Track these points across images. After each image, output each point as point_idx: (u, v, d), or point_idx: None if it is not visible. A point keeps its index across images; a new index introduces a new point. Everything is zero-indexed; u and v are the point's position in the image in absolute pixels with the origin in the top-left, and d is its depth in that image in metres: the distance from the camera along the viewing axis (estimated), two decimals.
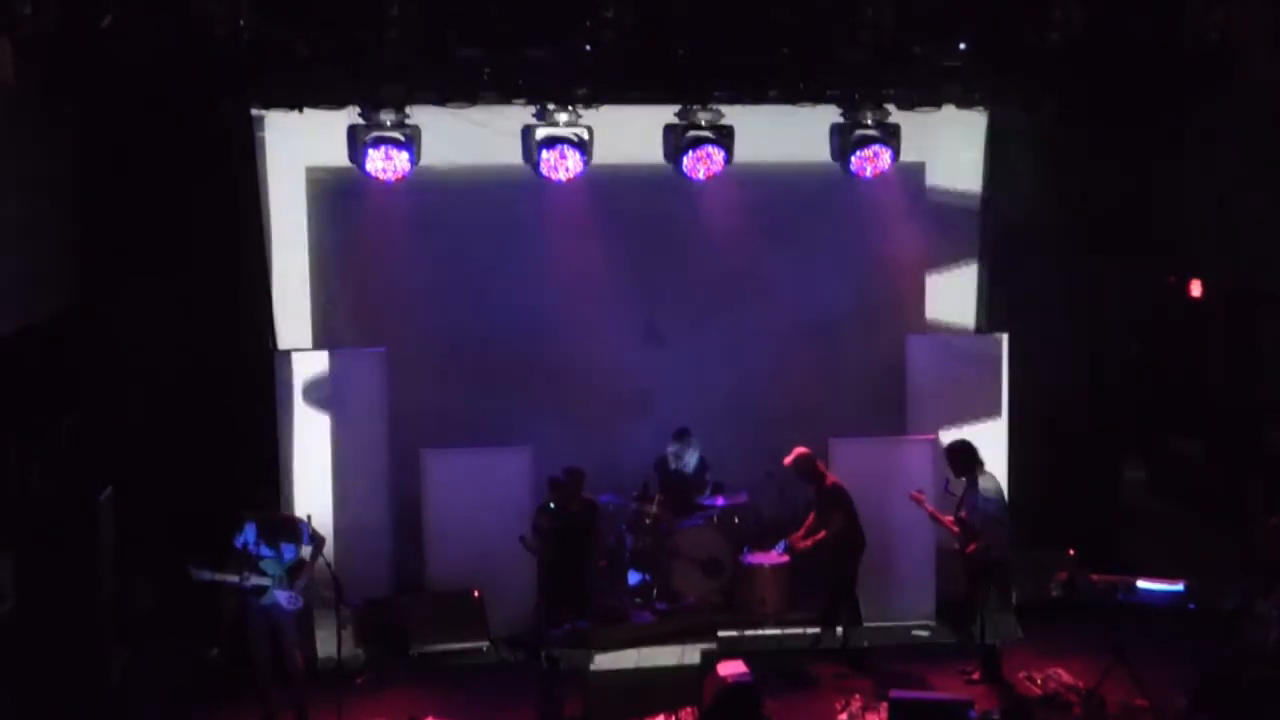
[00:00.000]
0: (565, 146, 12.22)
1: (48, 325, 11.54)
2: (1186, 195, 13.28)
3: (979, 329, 13.96)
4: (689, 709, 10.37)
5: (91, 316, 12.18)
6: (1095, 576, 11.05)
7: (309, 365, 12.73)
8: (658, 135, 12.67)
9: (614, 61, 11.36)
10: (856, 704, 10.82)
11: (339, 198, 13.27)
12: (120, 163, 12.04)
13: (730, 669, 10.06)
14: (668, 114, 12.52)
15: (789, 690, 11.14)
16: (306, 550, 10.53)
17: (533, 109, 12.29)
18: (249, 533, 10.31)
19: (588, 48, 11.09)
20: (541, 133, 12.28)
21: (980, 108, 13.13)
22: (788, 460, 11.93)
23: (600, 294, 13.55)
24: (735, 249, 13.62)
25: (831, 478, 11.90)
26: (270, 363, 12.65)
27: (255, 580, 10.27)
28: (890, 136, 12.61)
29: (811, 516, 12.05)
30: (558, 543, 11.88)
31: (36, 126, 11.39)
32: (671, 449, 13.10)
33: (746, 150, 12.65)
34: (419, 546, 12.56)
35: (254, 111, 12.46)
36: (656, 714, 10.40)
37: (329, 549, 10.92)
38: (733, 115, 12.46)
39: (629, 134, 12.76)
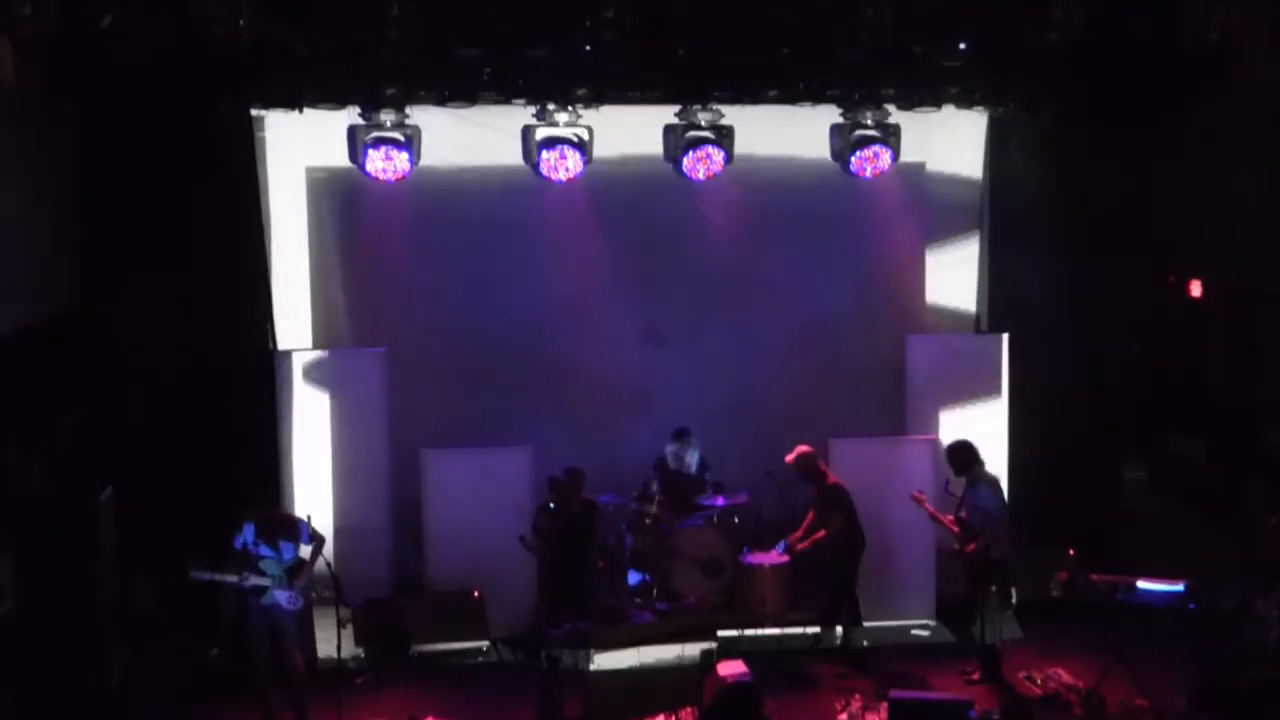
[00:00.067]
0: (565, 147, 12.23)
1: (48, 325, 11.54)
2: (1186, 195, 13.28)
3: (979, 329, 13.97)
4: (689, 709, 10.38)
5: (91, 316, 12.18)
6: (1095, 576, 11.06)
7: (309, 365, 12.74)
8: (658, 135, 12.67)
9: (614, 62, 11.37)
10: (856, 704, 10.82)
11: (339, 198, 13.28)
12: (120, 163, 12.04)
13: (730, 669, 10.07)
14: (668, 114, 12.52)
15: (789, 690, 11.14)
16: (306, 550, 10.54)
17: (533, 109, 12.29)
18: (248, 533, 10.31)
19: (588, 48, 11.10)
20: (541, 133, 12.29)
21: (980, 108, 13.12)
22: (790, 458, 11.93)
23: (600, 294, 13.55)
24: (735, 249, 13.63)
25: (833, 477, 11.90)
26: (270, 363, 12.65)
27: (254, 580, 10.27)
28: (890, 136, 12.62)
29: (810, 516, 12.04)
30: (558, 543, 11.87)
31: (36, 126, 11.39)
32: (671, 449, 13.10)
33: (746, 150, 12.66)
34: (419, 546, 12.56)
35: (254, 111, 12.47)
36: (656, 714, 10.40)
37: (329, 549, 10.92)
38: (733, 115, 12.47)
39: (629, 134, 12.77)
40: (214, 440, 12.21)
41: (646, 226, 13.54)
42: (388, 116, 12.02)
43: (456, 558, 12.28)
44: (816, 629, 12.21)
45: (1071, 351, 13.56)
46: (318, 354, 12.88)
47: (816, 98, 12.36)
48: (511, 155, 12.70)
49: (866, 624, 12.07)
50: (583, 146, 12.27)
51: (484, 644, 12.17)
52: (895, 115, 12.66)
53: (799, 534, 12.07)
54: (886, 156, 12.66)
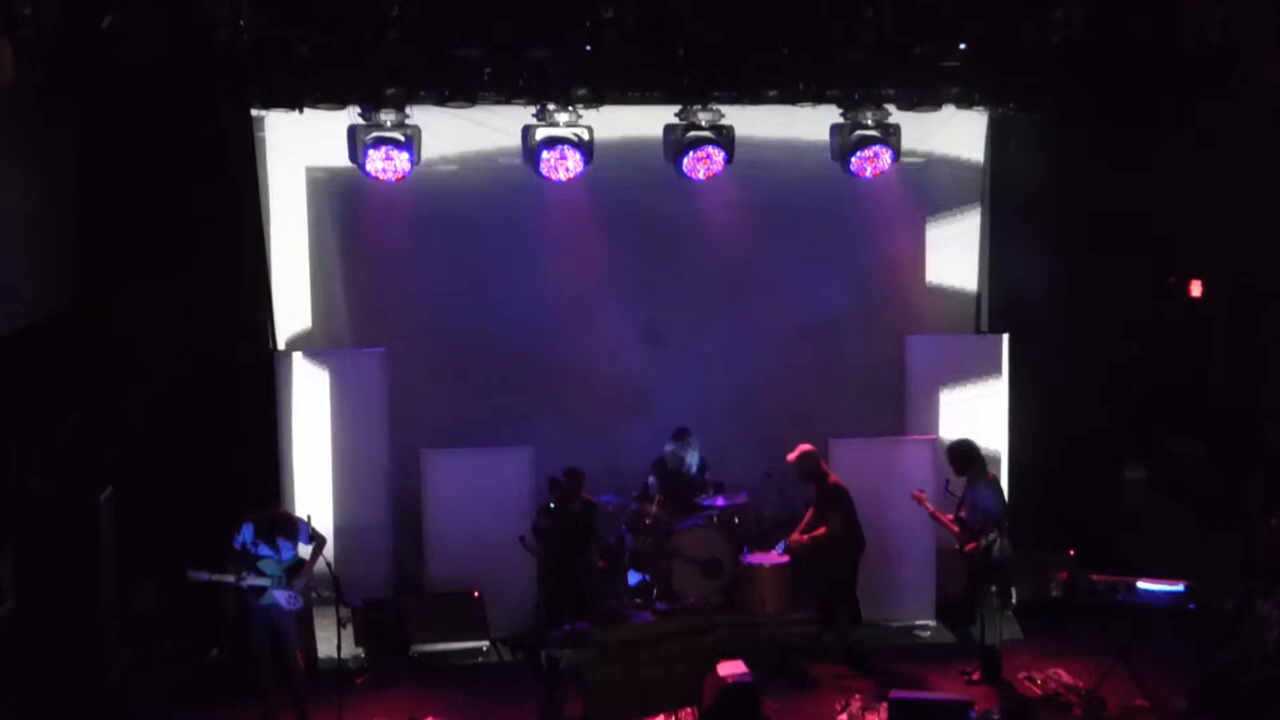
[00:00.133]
0: (565, 146, 12.23)
1: (48, 325, 11.55)
2: (1186, 195, 13.27)
3: (979, 329, 13.97)
4: (689, 709, 10.38)
5: (92, 317, 12.18)
6: (1095, 577, 11.04)
7: (309, 365, 12.74)
8: (658, 135, 12.67)
9: (614, 62, 11.38)
10: (856, 704, 10.82)
11: (339, 198, 13.28)
12: (120, 163, 12.04)
13: (730, 669, 10.07)
14: (668, 114, 12.52)
15: (789, 690, 11.15)
16: (306, 550, 10.53)
17: (533, 109, 12.29)
18: (246, 532, 10.31)
19: (588, 48, 11.10)
20: (541, 133, 12.29)
21: (980, 108, 13.12)
22: (791, 456, 11.93)
23: (600, 294, 13.55)
24: (735, 249, 13.63)
25: (833, 477, 11.90)
26: (270, 363, 12.65)
27: (252, 580, 10.27)
28: (890, 136, 12.62)
29: (810, 513, 12.04)
30: (557, 543, 11.89)
31: (36, 126, 11.39)
32: (670, 448, 13.10)
33: (747, 150, 12.66)
34: (419, 546, 12.56)
35: (254, 111, 12.46)
36: (656, 714, 10.41)
37: (329, 549, 10.92)
38: (733, 115, 12.47)
39: (629, 134, 12.77)
40: (214, 440, 12.21)
41: (646, 226, 13.53)
42: (388, 116, 12.02)
43: (456, 558, 12.28)
44: (816, 629, 12.21)
45: (1071, 351, 13.55)
46: (318, 354, 12.88)
47: (816, 98, 12.36)
48: (512, 155, 12.70)
49: (866, 624, 12.06)
50: (583, 146, 12.27)
51: (484, 644, 12.16)
52: (895, 115, 12.66)
53: (799, 529, 12.06)
54: (886, 156, 12.66)
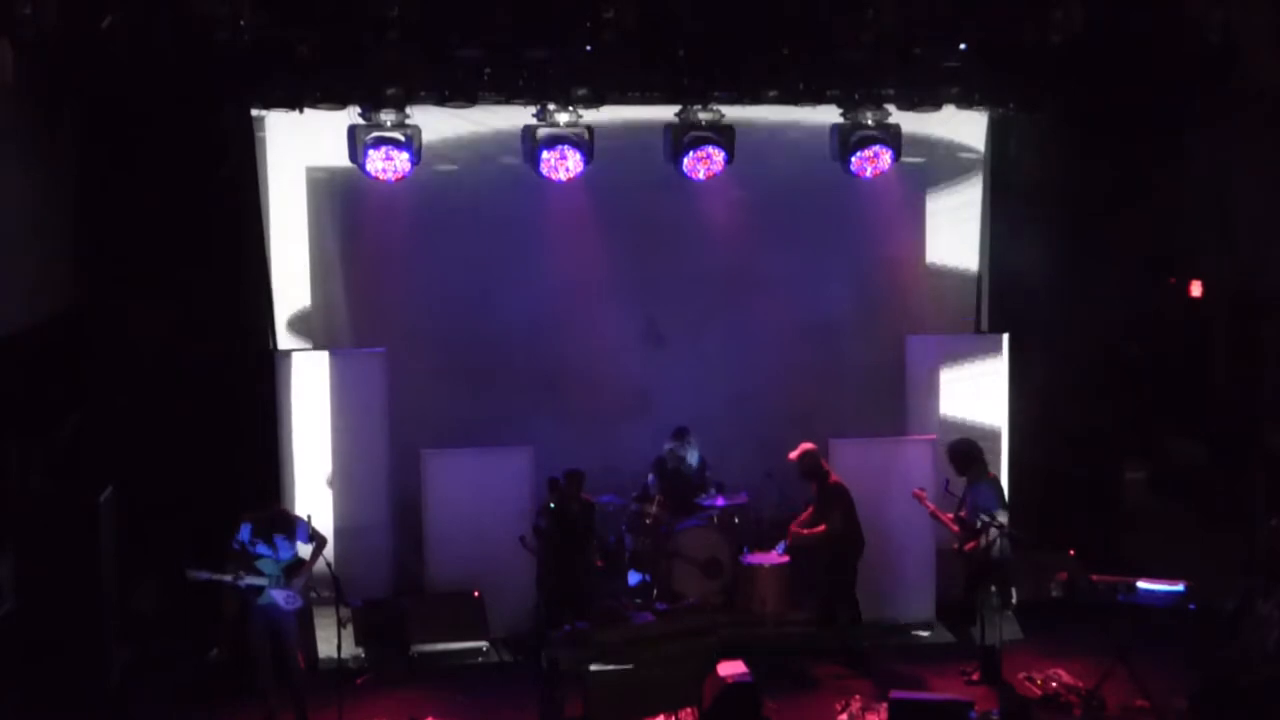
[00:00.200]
0: (565, 146, 12.23)
1: (48, 326, 11.55)
2: (1186, 195, 13.28)
3: (979, 329, 13.97)
4: (689, 709, 10.38)
5: (92, 317, 12.19)
6: (1096, 577, 11.04)
7: (309, 365, 12.73)
8: (658, 135, 12.67)
9: (614, 62, 11.38)
10: (856, 704, 10.82)
11: (339, 198, 13.28)
12: (120, 163, 12.04)
13: (730, 669, 10.07)
14: (668, 114, 12.52)
15: (789, 690, 11.14)
16: (306, 549, 10.52)
17: (533, 109, 12.29)
18: (244, 531, 10.31)
19: (588, 48, 11.10)
20: (541, 133, 12.29)
21: (980, 108, 13.13)
22: (793, 455, 11.93)
23: (600, 294, 13.56)
24: (735, 249, 13.64)
25: (834, 476, 11.89)
26: (270, 363, 12.65)
27: (250, 579, 10.26)
28: (890, 136, 12.62)
29: (810, 510, 12.04)
30: (557, 543, 11.88)
31: (36, 126, 11.39)
32: (669, 446, 13.10)
33: (747, 150, 12.65)
34: (419, 546, 12.56)
35: (254, 111, 12.46)
36: (656, 714, 10.40)
37: (329, 549, 10.90)
38: (733, 115, 12.46)
39: (629, 134, 12.77)
40: (214, 440, 12.21)
41: (646, 226, 13.53)
42: (388, 116, 12.02)
43: (456, 558, 12.27)
44: (816, 629, 12.20)
45: (1071, 351, 13.56)
46: (318, 354, 12.88)
47: (816, 98, 12.37)
48: (512, 155, 12.70)
49: (866, 624, 12.06)
50: (583, 146, 12.27)
51: (484, 644, 12.16)
52: (895, 115, 12.66)
53: (800, 520, 12.05)
54: (887, 156, 12.66)
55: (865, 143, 12.61)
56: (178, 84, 11.28)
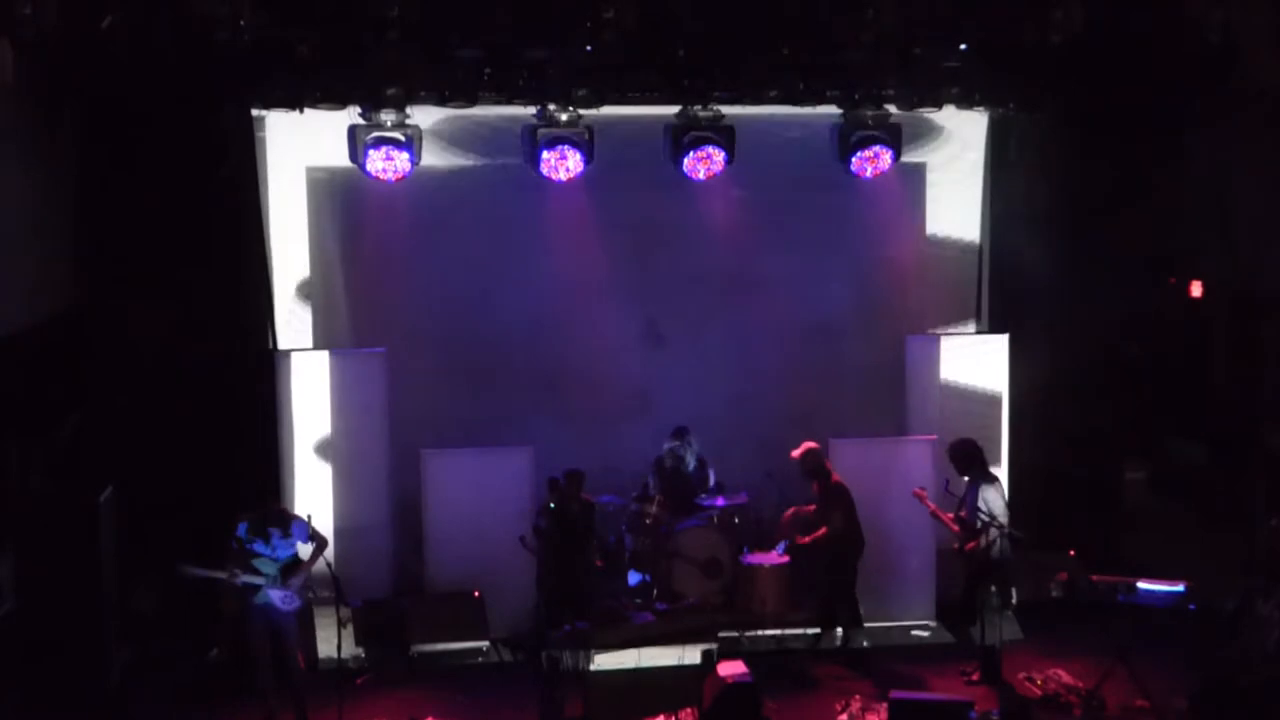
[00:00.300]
0: (565, 146, 12.23)
1: (48, 326, 11.54)
2: (1186, 195, 13.28)
3: (979, 329, 13.97)
4: (689, 709, 10.38)
5: (92, 317, 12.19)
6: (1096, 577, 11.05)
7: (309, 365, 12.73)
8: (658, 135, 12.67)
9: (614, 62, 11.37)
10: (856, 704, 10.82)
11: (339, 198, 13.28)
12: (120, 163, 12.04)
13: (730, 669, 10.07)
14: (668, 114, 12.52)
15: (789, 690, 11.14)
16: (305, 549, 10.52)
17: (533, 109, 12.28)
18: (240, 529, 10.31)
19: (588, 48, 11.09)
20: (542, 133, 12.29)
21: (981, 108, 13.13)
22: (796, 453, 11.93)
23: (600, 294, 13.55)
24: (735, 249, 13.64)
25: (836, 476, 11.89)
26: (270, 363, 12.64)
27: (246, 578, 10.26)
28: (890, 136, 12.62)
29: (813, 508, 12.04)
30: (557, 543, 11.88)
31: (36, 126, 11.39)
32: (669, 445, 13.10)
33: (747, 150, 12.65)
34: (419, 546, 12.55)
35: (254, 112, 12.46)
36: (656, 714, 10.41)
37: (329, 549, 10.89)
38: (733, 115, 12.46)
39: (629, 134, 12.77)
40: (214, 440, 12.21)
41: (646, 226, 13.54)
42: (388, 116, 12.02)
43: (456, 558, 12.27)
44: (816, 629, 12.21)
45: (1071, 352, 13.56)
46: (318, 354, 12.88)
47: (816, 98, 12.36)
48: (512, 155, 12.69)
49: (866, 624, 12.06)
50: (583, 146, 12.27)
51: (484, 644, 12.16)
52: (895, 115, 12.66)
53: (801, 512, 12.06)
54: (887, 156, 12.66)
55: (865, 143, 12.61)
56: (178, 84, 11.28)
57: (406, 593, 12.59)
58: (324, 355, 12.83)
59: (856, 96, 12.44)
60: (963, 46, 11.67)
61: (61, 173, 11.94)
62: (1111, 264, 13.33)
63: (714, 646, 10.78)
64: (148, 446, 12.07)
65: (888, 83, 12.23)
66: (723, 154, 12.42)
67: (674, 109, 12.47)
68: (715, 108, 12.38)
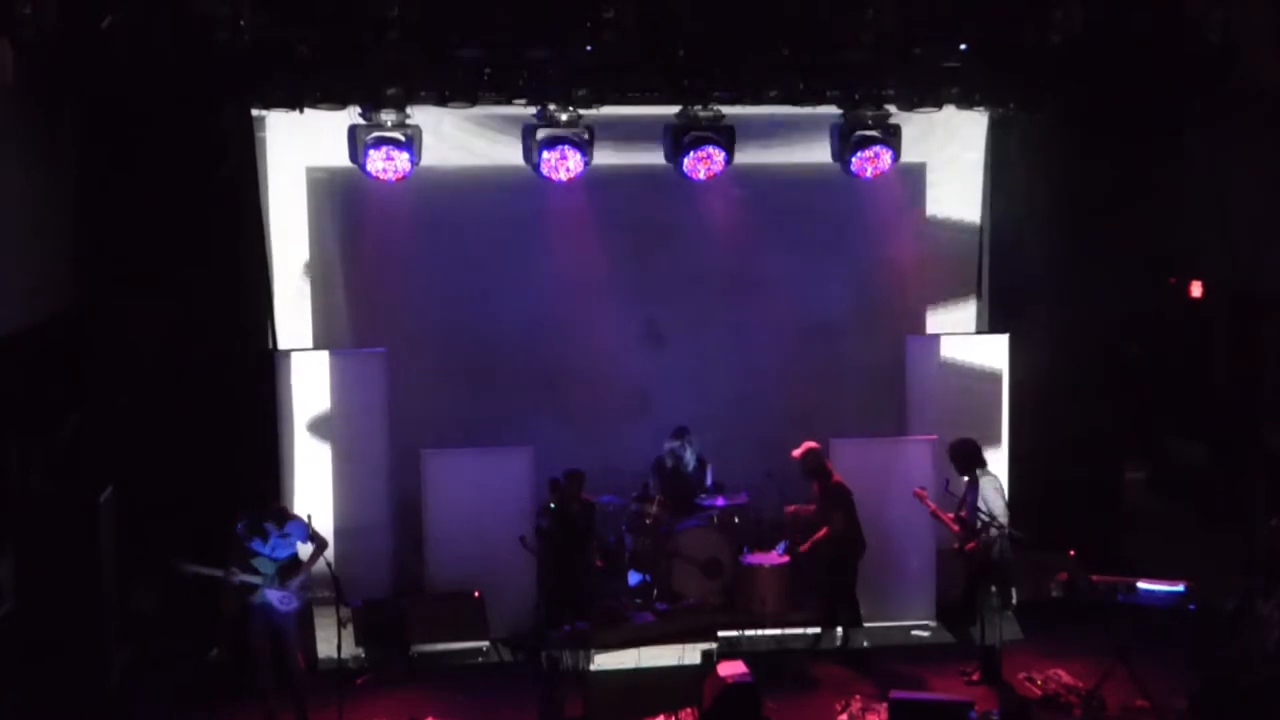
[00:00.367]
0: (566, 147, 12.22)
1: (48, 326, 11.54)
2: (1186, 195, 13.28)
3: (979, 329, 13.97)
4: (689, 709, 10.38)
5: (92, 317, 12.19)
6: (1096, 577, 11.04)
7: (309, 365, 12.74)
8: (658, 135, 12.67)
9: (614, 62, 11.36)
10: (856, 704, 10.82)
11: (339, 198, 13.29)
12: (120, 163, 12.04)
13: (730, 669, 10.07)
14: (668, 114, 12.52)
15: (789, 690, 11.14)
16: (305, 549, 10.52)
17: (533, 109, 12.29)
18: (239, 528, 10.32)
19: (588, 48, 11.09)
20: (542, 133, 12.29)
21: (980, 108, 13.12)
22: (797, 453, 11.93)
23: (600, 294, 13.56)
24: (736, 249, 13.64)
25: (837, 476, 11.90)
26: (270, 363, 12.64)
27: (243, 577, 10.26)
28: (890, 137, 12.62)
29: (813, 508, 12.05)
30: (557, 543, 11.88)
31: (36, 126, 11.39)
32: (669, 445, 13.10)
33: (747, 150, 12.65)
34: (419, 546, 12.55)
35: (254, 112, 12.46)
36: (656, 714, 10.41)
37: (329, 549, 10.89)
38: (733, 115, 12.46)
39: (629, 134, 12.77)
40: (214, 440, 12.20)
41: (646, 226, 13.54)
42: (388, 116, 12.02)
43: (456, 558, 12.27)
44: (816, 629, 12.21)
45: (1071, 352, 13.56)
46: (318, 354, 12.88)
47: (816, 98, 12.35)
48: (512, 155, 12.70)
49: (866, 624, 12.06)
50: (583, 146, 12.27)
51: (484, 644, 12.16)
52: (895, 115, 12.66)
53: (801, 512, 12.05)
54: (887, 157, 12.66)
55: (865, 143, 12.61)
56: (178, 84, 11.28)
57: (406, 593, 12.59)
58: (324, 355, 12.84)
59: (856, 96, 12.43)
60: (963, 46, 11.66)
61: (61, 173, 11.94)
62: (1111, 264, 13.33)
63: (714, 646, 10.78)
64: (148, 446, 12.06)
65: (888, 83, 12.23)
66: (723, 154, 12.42)
67: (674, 109, 12.47)
68: (715, 108, 12.38)
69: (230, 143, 12.32)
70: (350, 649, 11.49)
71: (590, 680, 10.51)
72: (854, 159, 12.64)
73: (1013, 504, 11.76)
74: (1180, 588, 10.73)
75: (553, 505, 12.00)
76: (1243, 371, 13.48)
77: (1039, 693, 11.06)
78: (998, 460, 12.80)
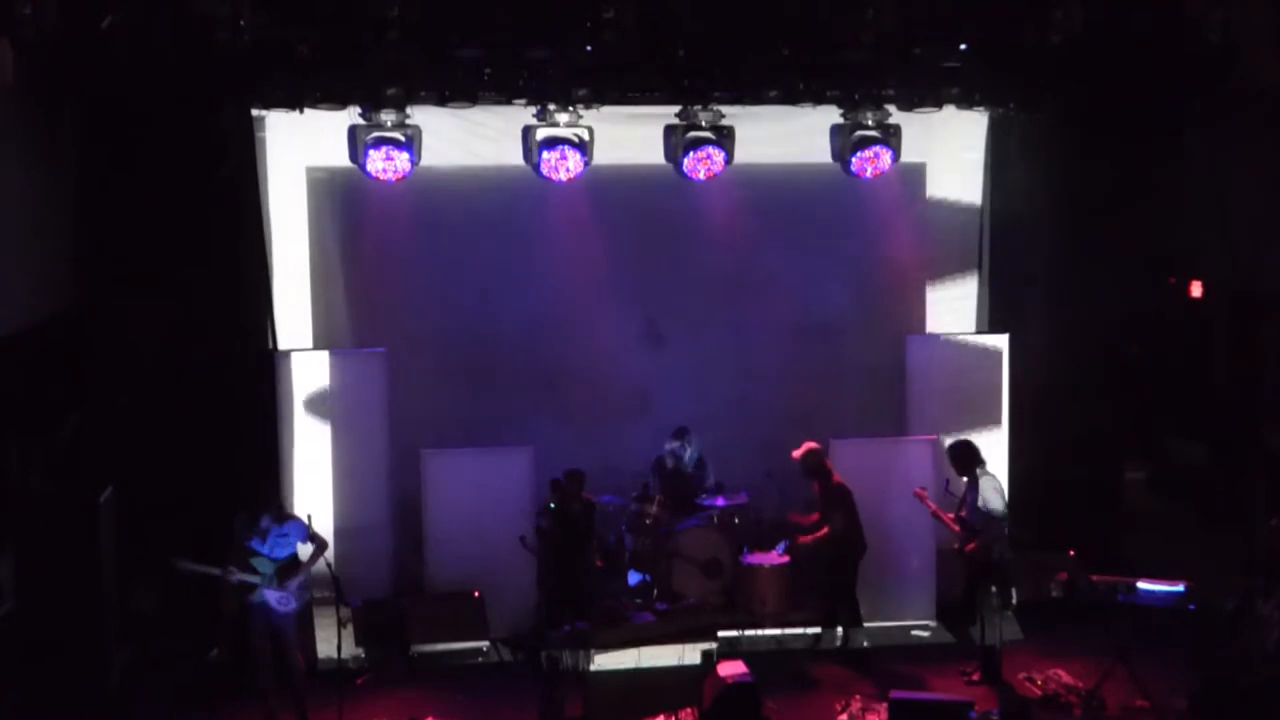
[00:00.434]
0: (566, 147, 12.22)
1: (48, 326, 11.54)
2: (1186, 195, 13.28)
3: (979, 329, 13.97)
4: (689, 709, 10.38)
5: (92, 317, 12.19)
6: (1096, 577, 11.05)
7: (309, 365, 12.74)
8: (658, 135, 12.67)
9: (614, 62, 11.36)
10: (856, 704, 10.82)
11: (339, 198, 13.28)
12: (120, 163, 12.04)
13: (730, 669, 10.08)
14: (668, 114, 12.52)
15: (789, 690, 11.14)
16: (304, 550, 10.52)
17: (533, 109, 12.28)
18: (238, 526, 10.31)
19: (588, 48, 11.09)
20: (542, 133, 12.29)
21: (981, 108, 13.13)
22: (797, 454, 11.93)
23: (600, 294, 13.55)
24: (736, 250, 13.64)
25: (837, 477, 11.90)
26: (270, 363, 12.65)
27: (242, 576, 10.26)
28: (891, 137, 12.62)
29: (814, 518, 12.04)
30: (558, 543, 11.88)
31: (36, 126, 11.39)
32: (669, 446, 13.10)
33: (747, 151, 12.65)
34: (419, 546, 12.55)
35: (254, 112, 12.46)
36: (656, 714, 10.41)
37: (329, 549, 10.89)
38: (733, 115, 12.46)
39: (629, 134, 12.77)
40: (214, 440, 12.20)
41: (647, 227, 13.53)
42: (388, 116, 12.02)
43: (456, 558, 12.28)
44: (816, 629, 12.22)
45: (1072, 352, 13.56)
46: (318, 354, 12.88)
47: (817, 98, 12.36)
48: (512, 155, 12.70)
49: (866, 624, 12.06)
50: (583, 147, 12.27)
51: (484, 644, 12.16)
52: (895, 115, 12.65)
53: (802, 519, 12.06)
54: (887, 157, 12.65)
55: (865, 143, 12.60)
56: (178, 84, 11.27)
57: (406, 593, 12.59)
58: (324, 355, 12.84)
59: (856, 96, 12.43)
60: (963, 46, 11.66)
61: (61, 173, 11.94)
62: (1111, 264, 13.33)
63: (714, 646, 10.79)
64: (148, 446, 12.07)
65: (888, 83, 12.23)
66: (723, 154, 12.42)
67: (674, 109, 12.46)
68: (715, 108, 12.38)
69: (230, 143, 12.32)
70: (350, 649, 11.49)
71: (590, 680, 10.51)
72: (854, 159, 12.64)
73: (1013, 504, 11.77)
74: (1180, 588, 10.73)
75: (553, 505, 12.00)
76: (1243, 371, 13.48)
77: (1039, 693, 11.07)
78: (998, 460, 12.79)
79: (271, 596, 10.32)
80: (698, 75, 12.01)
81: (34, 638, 10.67)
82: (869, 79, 12.18)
